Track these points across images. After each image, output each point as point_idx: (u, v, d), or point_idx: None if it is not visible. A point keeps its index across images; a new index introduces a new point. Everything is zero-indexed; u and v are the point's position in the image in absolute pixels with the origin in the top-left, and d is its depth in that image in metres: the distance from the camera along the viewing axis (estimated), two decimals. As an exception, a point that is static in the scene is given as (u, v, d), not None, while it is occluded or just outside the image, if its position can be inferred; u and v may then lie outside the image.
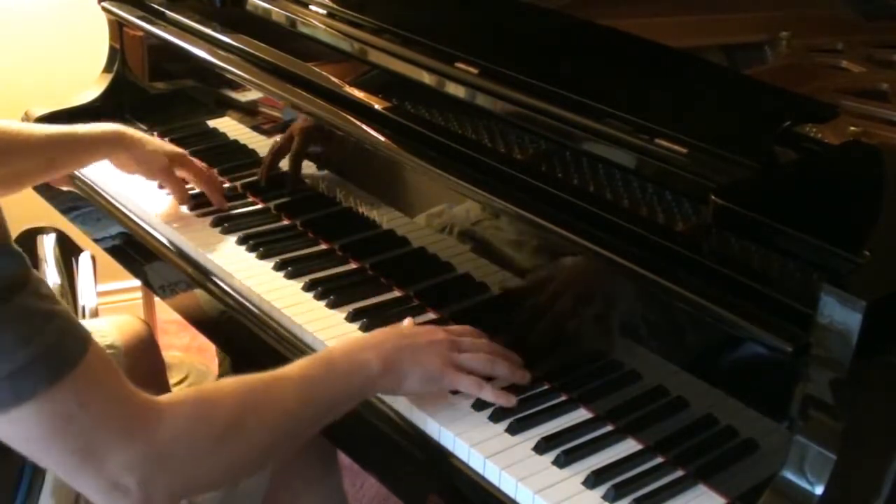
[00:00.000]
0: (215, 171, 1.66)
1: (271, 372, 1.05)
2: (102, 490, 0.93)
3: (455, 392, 1.16)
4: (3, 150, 1.41)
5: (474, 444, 1.09)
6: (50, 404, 0.88)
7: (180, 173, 1.59)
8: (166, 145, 1.63)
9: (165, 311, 2.20)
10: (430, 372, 1.13)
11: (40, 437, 0.90)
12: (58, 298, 0.92)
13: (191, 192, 1.60)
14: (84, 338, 0.92)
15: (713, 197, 1.01)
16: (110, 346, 1.43)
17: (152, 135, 1.83)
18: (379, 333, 1.17)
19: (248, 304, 1.38)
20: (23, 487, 1.12)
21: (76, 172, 1.72)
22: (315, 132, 1.52)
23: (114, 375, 0.94)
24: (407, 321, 1.24)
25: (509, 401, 1.14)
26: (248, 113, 1.68)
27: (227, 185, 1.66)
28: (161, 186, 1.62)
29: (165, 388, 1.64)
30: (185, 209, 1.58)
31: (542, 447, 1.09)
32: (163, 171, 1.57)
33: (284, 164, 1.58)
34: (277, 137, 1.60)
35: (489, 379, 1.16)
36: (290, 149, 1.56)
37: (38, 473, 1.13)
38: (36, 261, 1.98)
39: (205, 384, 0.99)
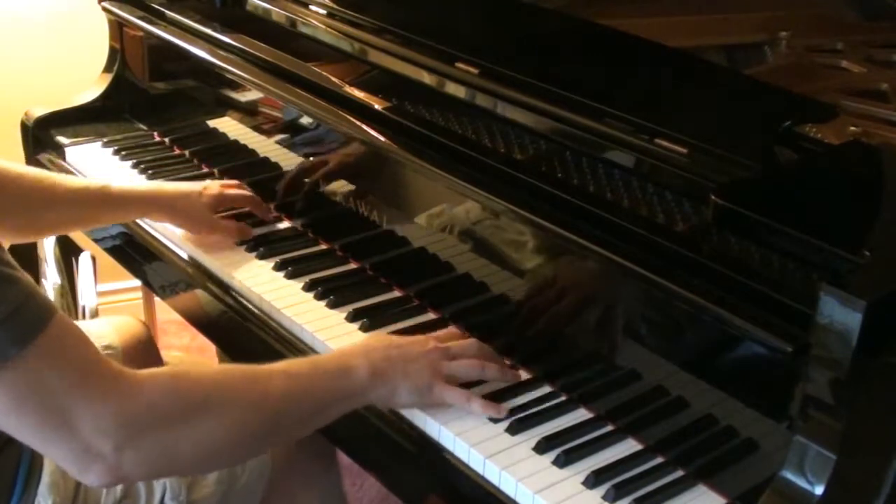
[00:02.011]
0: (249, 191, 1.58)
1: (259, 365, 1.05)
2: (76, 456, 0.93)
3: None
4: (26, 202, 1.35)
5: (474, 444, 1.09)
6: (20, 370, 0.88)
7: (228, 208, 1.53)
8: (205, 192, 1.50)
9: (165, 311, 2.19)
10: (420, 385, 1.12)
11: (12, 404, 0.90)
12: (16, 265, 0.92)
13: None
14: (48, 304, 0.92)
15: (713, 197, 1.01)
16: (108, 347, 1.43)
17: (152, 135, 1.84)
18: (371, 340, 1.17)
19: (248, 304, 1.38)
20: (19, 483, 1.12)
21: (75, 171, 1.72)
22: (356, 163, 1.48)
23: (84, 342, 0.94)
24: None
25: (499, 412, 1.13)
26: (248, 113, 1.68)
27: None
28: None
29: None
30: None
31: (542, 447, 1.09)
32: (206, 225, 1.49)
33: (287, 164, 1.58)
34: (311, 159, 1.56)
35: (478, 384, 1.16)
36: (320, 172, 1.51)
37: (34, 468, 1.13)
38: (36, 261, 1.99)
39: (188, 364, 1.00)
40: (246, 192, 1.56)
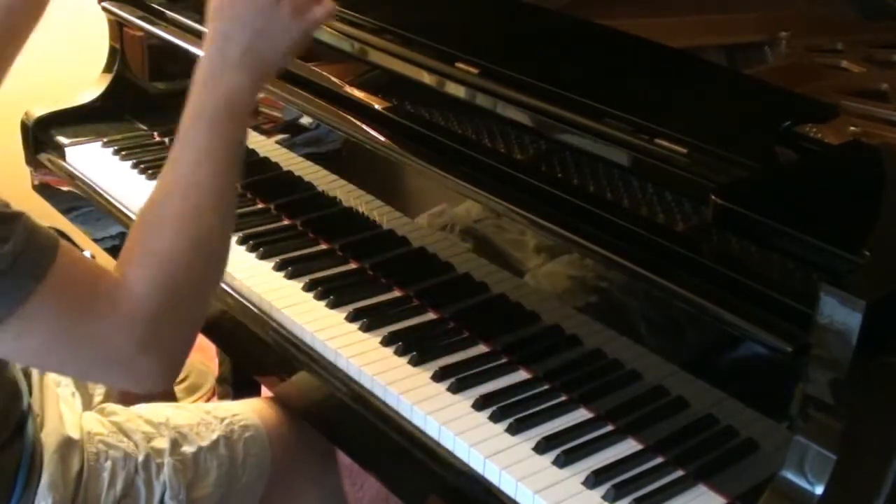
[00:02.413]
0: None
1: (163, 178, 1.00)
2: (124, 369, 0.94)
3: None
4: None
5: (474, 443, 1.09)
6: (44, 303, 0.88)
7: None
8: None
9: (165, 311, 2.19)
10: (291, 39, 1.05)
11: (46, 340, 0.90)
12: (10, 212, 0.91)
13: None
14: (51, 233, 0.91)
15: (713, 197, 1.01)
16: None
17: (152, 135, 1.84)
18: (224, 38, 1.04)
19: (248, 304, 1.38)
20: (20, 482, 1.12)
21: (75, 171, 1.71)
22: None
23: (84, 262, 0.94)
24: None
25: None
26: (248, 113, 1.68)
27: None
28: None
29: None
30: None
31: (542, 447, 1.09)
32: None
33: (287, 165, 1.58)
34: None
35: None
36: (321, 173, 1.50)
37: (34, 468, 1.14)
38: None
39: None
40: None
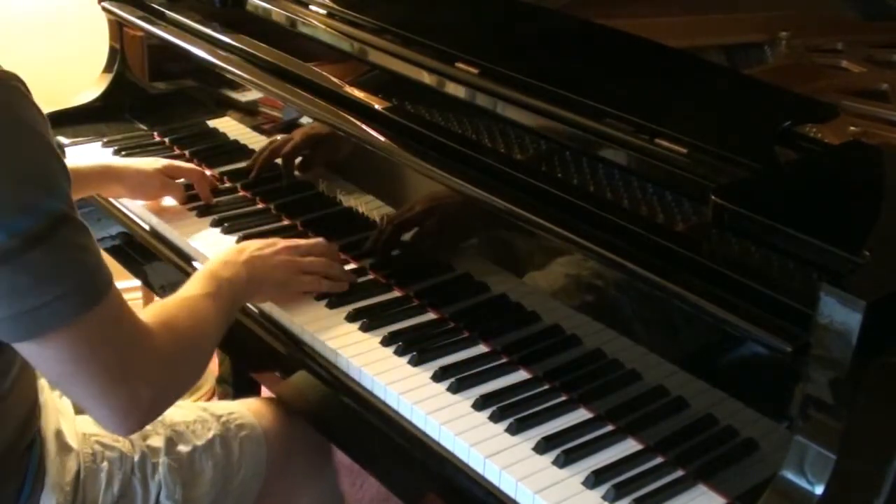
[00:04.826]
0: (204, 169, 1.67)
1: (182, 295, 1.19)
2: (122, 405, 1.03)
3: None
4: None
5: (474, 443, 1.09)
6: (85, 329, 0.98)
7: (177, 180, 1.59)
8: (153, 163, 1.60)
9: (165, 311, 2.19)
10: (280, 280, 1.30)
11: (72, 358, 0.99)
12: (90, 232, 1.02)
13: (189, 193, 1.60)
14: (109, 271, 1.03)
15: (713, 197, 1.01)
16: None
17: (152, 135, 1.84)
18: (235, 250, 1.31)
19: (246, 303, 1.38)
20: (27, 484, 1.13)
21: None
22: (320, 138, 1.52)
23: (125, 303, 1.05)
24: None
25: (342, 287, 1.33)
26: (248, 113, 1.68)
27: (227, 185, 1.66)
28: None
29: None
30: (189, 211, 1.58)
31: (542, 447, 1.09)
32: (160, 189, 1.58)
33: (288, 164, 1.59)
34: (279, 137, 1.60)
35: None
36: (289, 147, 1.56)
37: (41, 471, 1.14)
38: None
39: (150, 308, 1.22)
40: (195, 167, 1.64)
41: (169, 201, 1.60)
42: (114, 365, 1.02)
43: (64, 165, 0.99)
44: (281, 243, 1.34)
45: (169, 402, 1.12)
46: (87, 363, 1.00)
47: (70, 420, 1.23)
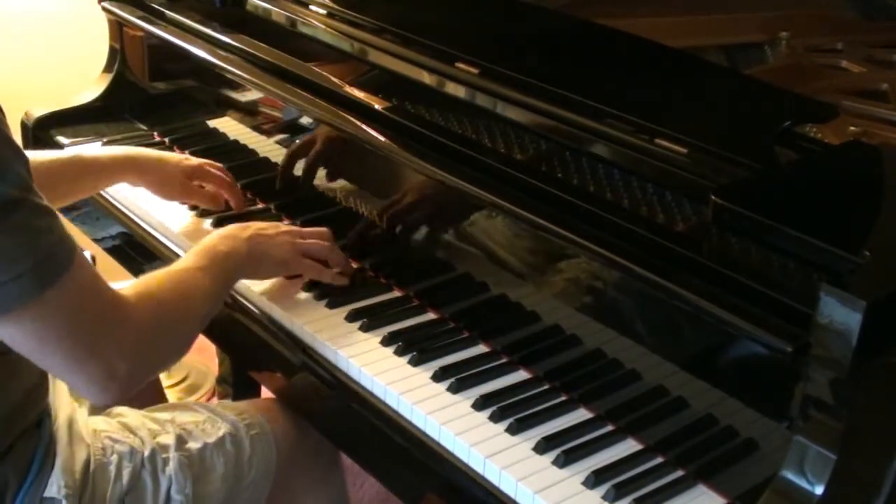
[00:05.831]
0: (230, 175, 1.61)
1: (170, 268, 1.20)
2: (99, 378, 1.04)
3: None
4: None
5: (474, 443, 1.09)
6: (52, 306, 0.98)
7: (204, 185, 1.55)
8: (184, 161, 1.55)
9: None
10: (281, 258, 1.32)
11: (43, 335, 1.00)
12: (51, 209, 1.01)
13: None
14: (72, 241, 1.01)
15: (713, 197, 1.01)
16: None
17: (152, 135, 1.84)
18: (238, 227, 1.32)
19: (246, 303, 1.38)
20: (35, 465, 1.13)
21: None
22: (338, 143, 1.50)
23: (95, 273, 1.05)
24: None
25: (343, 281, 1.35)
26: (248, 113, 1.68)
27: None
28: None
29: (159, 391, 1.64)
30: (188, 212, 1.58)
31: (542, 447, 1.09)
32: (179, 190, 1.54)
33: (297, 170, 1.58)
34: (297, 141, 1.58)
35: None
36: (309, 155, 1.53)
37: (49, 453, 1.15)
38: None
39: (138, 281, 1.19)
40: (225, 174, 1.57)
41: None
42: (83, 340, 1.02)
43: (18, 150, 0.98)
44: (284, 226, 1.36)
45: (150, 374, 1.13)
46: (54, 340, 1.01)
47: (84, 414, 1.24)
